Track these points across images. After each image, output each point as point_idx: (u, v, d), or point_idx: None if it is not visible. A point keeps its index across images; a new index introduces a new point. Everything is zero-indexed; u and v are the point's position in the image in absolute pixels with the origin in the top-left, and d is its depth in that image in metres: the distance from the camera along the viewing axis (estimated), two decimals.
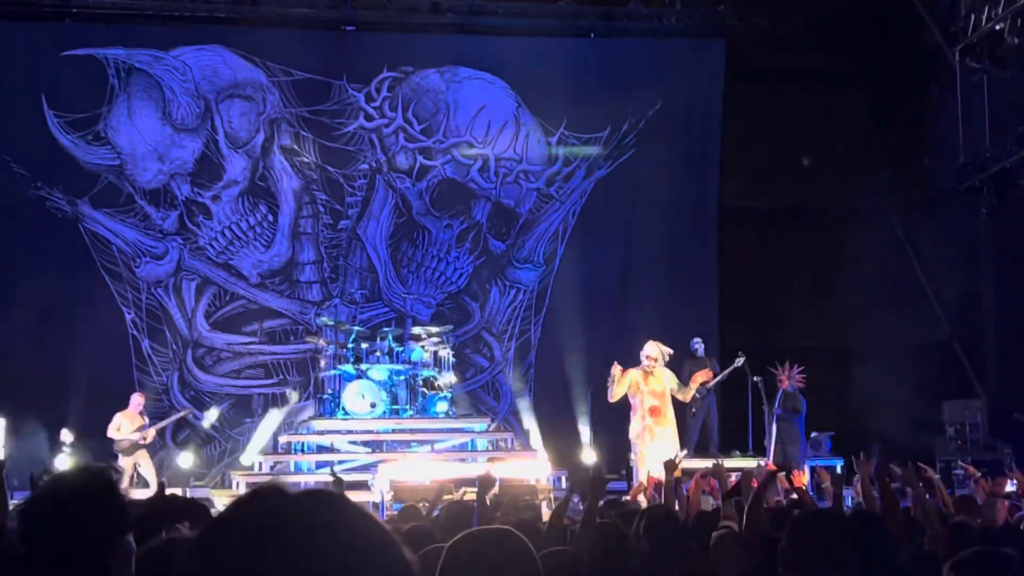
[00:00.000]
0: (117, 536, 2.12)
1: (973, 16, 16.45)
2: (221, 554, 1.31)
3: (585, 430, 17.78)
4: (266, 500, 1.38)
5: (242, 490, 13.73)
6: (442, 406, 16.21)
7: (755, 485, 5.73)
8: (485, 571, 2.42)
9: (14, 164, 17.69)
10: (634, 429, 13.77)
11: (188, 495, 15.31)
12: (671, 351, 14.34)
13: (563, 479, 15.02)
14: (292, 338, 18.49)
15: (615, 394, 13.78)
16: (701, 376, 14.47)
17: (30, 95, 17.70)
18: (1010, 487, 7.64)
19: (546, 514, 10.14)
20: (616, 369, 13.63)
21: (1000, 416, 16.66)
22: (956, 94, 17.18)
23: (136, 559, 2.22)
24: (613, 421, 16.55)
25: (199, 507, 3.95)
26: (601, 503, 8.16)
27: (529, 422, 18.51)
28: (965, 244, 18.10)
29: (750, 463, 14.48)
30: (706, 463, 15.63)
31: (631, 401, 13.74)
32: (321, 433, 15.85)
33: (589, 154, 19.13)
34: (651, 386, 13.83)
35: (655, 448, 13.40)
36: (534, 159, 19.23)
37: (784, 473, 10.40)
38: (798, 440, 14.94)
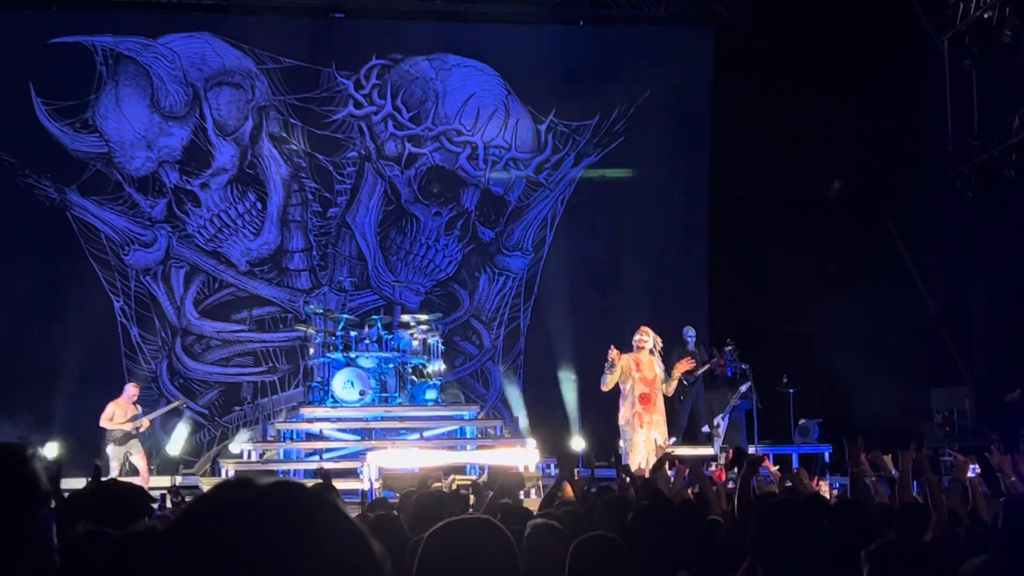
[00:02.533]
0: (29, 507, 2.09)
1: (961, 5, 16.47)
2: (189, 547, 1.32)
3: (574, 417, 17.81)
4: (234, 492, 1.38)
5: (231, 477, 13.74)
6: (431, 394, 16.22)
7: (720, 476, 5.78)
8: (464, 560, 2.43)
9: (1, 152, 17.67)
10: (624, 416, 13.75)
11: (178, 483, 15.37)
12: (660, 341, 14.34)
13: (552, 466, 15.06)
14: (281, 326, 18.49)
15: (609, 382, 13.72)
16: (682, 366, 14.44)
17: (18, 83, 17.64)
18: (971, 473, 7.70)
19: (533, 502, 10.17)
20: (614, 353, 13.57)
21: (988, 402, 16.72)
22: (944, 83, 17.22)
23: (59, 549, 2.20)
24: (602, 408, 16.59)
25: (136, 495, 3.88)
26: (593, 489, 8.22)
27: (518, 409, 18.53)
28: (953, 232, 18.15)
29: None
30: (695, 450, 15.73)
31: (621, 387, 13.71)
32: (310, 421, 15.84)
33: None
34: (643, 372, 13.81)
35: (645, 435, 13.42)
36: (523, 147, 19.22)
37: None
38: (741, 427, 14.95)
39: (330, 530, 1.35)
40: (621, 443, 13.84)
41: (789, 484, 7.29)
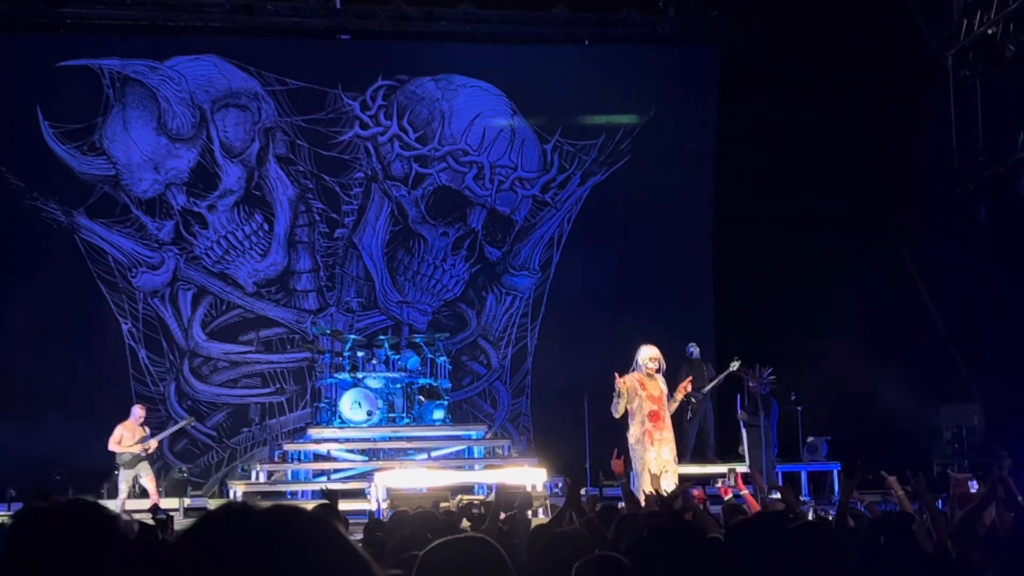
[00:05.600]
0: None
1: (965, 21, 16.50)
2: (186, 572, 1.31)
3: (582, 436, 17.76)
4: (231, 517, 1.37)
5: (239, 499, 13.74)
6: (438, 414, 16.22)
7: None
8: None
9: (10, 175, 17.72)
10: (633, 434, 13.57)
11: (187, 505, 15.39)
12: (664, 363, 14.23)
13: (559, 485, 15.02)
14: (289, 347, 18.51)
15: (619, 408, 13.50)
16: (683, 389, 14.28)
17: (25, 106, 17.73)
18: (972, 489, 7.74)
19: (541, 521, 10.13)
20: (618, 381, 13.41)
21: (997, 420, 16.66)
22: (949, 99, 17.23)
23: None
24: (610, 427, 16.54)
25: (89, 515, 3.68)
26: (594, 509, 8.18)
27: (525, 428, 18.50)
28: (961, 247, 18.11)
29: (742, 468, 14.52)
30: (703, 468, 15.68)
31: (628, 407, 13.57)
32: (318, 441, 15.84)
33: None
34: (649, 390, 13.69)
35: (656, 452, 13.31)
36: (529, 166, 19.25)
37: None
38: (760, 445, 14.72)
39: (330, 555, 1.34)
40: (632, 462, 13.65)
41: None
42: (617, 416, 13.51)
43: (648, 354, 13.47)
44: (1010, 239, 17.00)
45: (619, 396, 13.15)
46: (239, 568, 1.30)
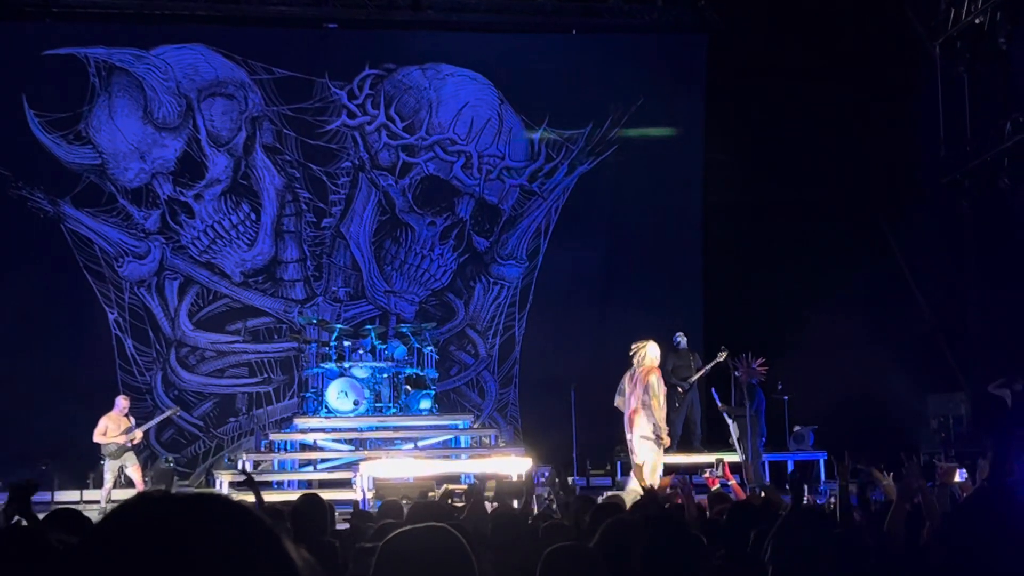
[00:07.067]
0: None
1: (953, 10, 16.49)
2: (99, 560, 1.30)
3: (569, 426, 17.77)
4: (148, 505, 1.36)
5: (225, 489, 13.73)
6: (425, 403, 16.21)
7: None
8: (418, 567, 2.42)
9: None
10: (647, 427, 13.33)
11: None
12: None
13: (546, 475, 15.00)
14: (276, 336, 18.48)
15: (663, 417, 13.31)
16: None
17: (10, 94, 17.67)
18: (959, 478, 7.75)
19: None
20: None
21: (984, 409, 16.68)
22: (937, 88, 17.23)
23: None
24: (597, 417, 16.57)
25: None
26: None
27: (513, 418, 18.50)
28: (948, 237, 18.13)
29: (733, 457, 14.49)
30: (689, 458, 15.67)
31: (643, 398, 13.35)
32: (304, 431, 15.83)
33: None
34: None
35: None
36: (517, 155, 19.23)
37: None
38: (747, 435, 14.70)
39: (245, 540, 1.33)
40: (640, 452, 13.40)
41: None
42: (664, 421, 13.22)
43: (656, 354, 13.28)
44: (997, 229, 17.02)
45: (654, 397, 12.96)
46: (155, 555, 1.28)
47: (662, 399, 12.90)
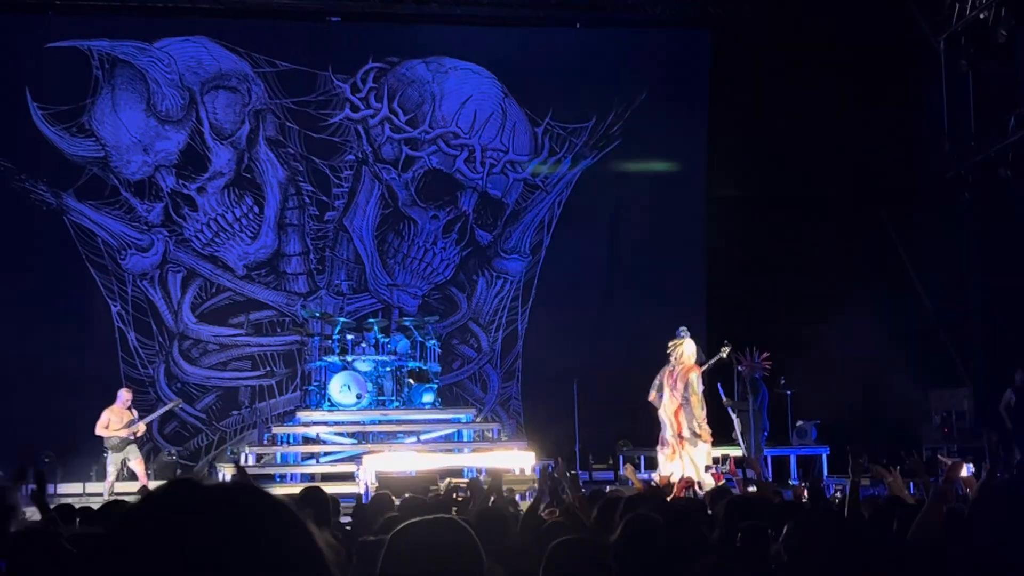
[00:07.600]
0: None
1: (957, 5, 16.47)
2: (132, 547, 1.31)
3: (572, 420, 17.77)
4: (178, 493, 1.38)
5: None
6: (428, 397, 16.21)
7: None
8: (427, 559, 2.42)
9: None
10: (691, 423, 13.48)
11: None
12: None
13: (552, 468, 14.98)
14: (279, 330, 18.49)
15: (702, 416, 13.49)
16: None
17: (14, 87, 17.66)
18: (966, 472, 7.74)
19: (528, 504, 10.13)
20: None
21: (986, 404, 16.68)
22: (941, 83, 17.21)
23: None
24: (599, 410, 16.60)
25: None
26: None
27: (515, 412, 18.50)
28: (951, 232, 18.11)
29: (735, 452, 14.52)
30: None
31: (684, 394, 13.48)
32: (307, 425, 15.83)
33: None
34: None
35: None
36: (520, 149, 19.21)
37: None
38: (749, 429, 14.71)
39: (276, 528, 1.35)
40: (678, 448, 13.50)
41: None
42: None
43: (693, 350, 13.56)
44: (1000, 225, 17.00)
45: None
46: (187, 542, 1.30)
47: (701, 396, 13.16)
